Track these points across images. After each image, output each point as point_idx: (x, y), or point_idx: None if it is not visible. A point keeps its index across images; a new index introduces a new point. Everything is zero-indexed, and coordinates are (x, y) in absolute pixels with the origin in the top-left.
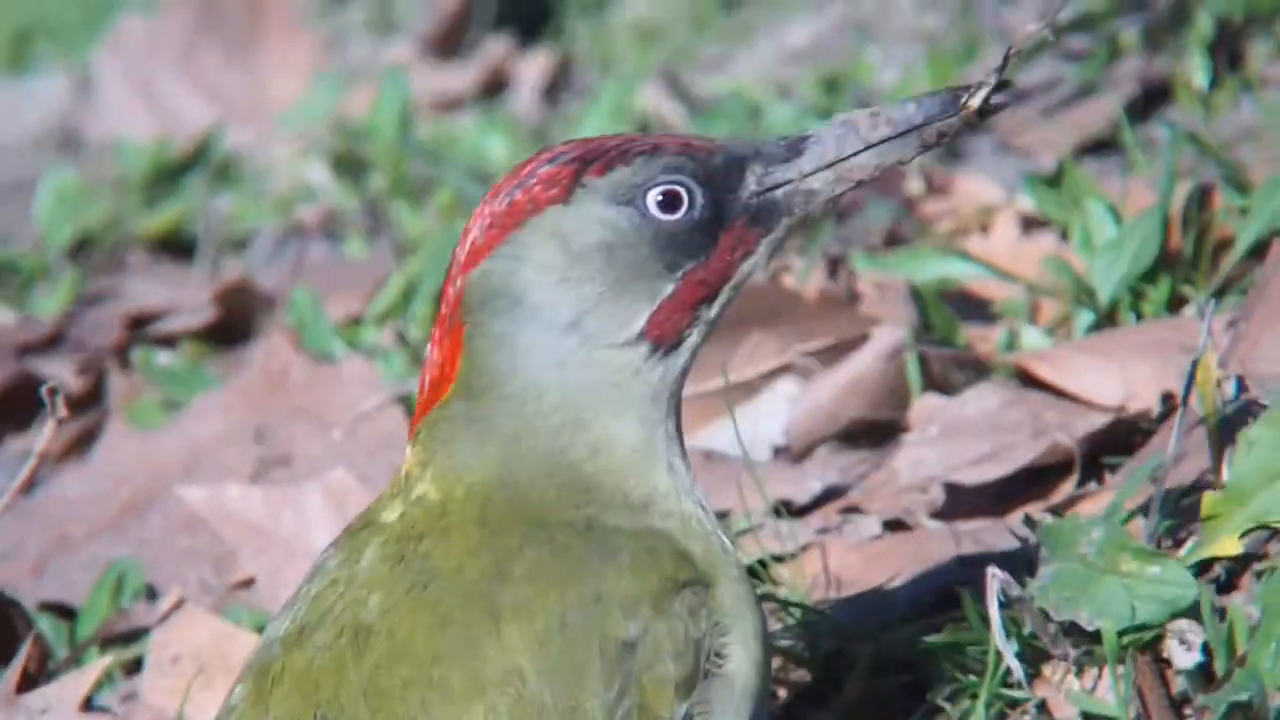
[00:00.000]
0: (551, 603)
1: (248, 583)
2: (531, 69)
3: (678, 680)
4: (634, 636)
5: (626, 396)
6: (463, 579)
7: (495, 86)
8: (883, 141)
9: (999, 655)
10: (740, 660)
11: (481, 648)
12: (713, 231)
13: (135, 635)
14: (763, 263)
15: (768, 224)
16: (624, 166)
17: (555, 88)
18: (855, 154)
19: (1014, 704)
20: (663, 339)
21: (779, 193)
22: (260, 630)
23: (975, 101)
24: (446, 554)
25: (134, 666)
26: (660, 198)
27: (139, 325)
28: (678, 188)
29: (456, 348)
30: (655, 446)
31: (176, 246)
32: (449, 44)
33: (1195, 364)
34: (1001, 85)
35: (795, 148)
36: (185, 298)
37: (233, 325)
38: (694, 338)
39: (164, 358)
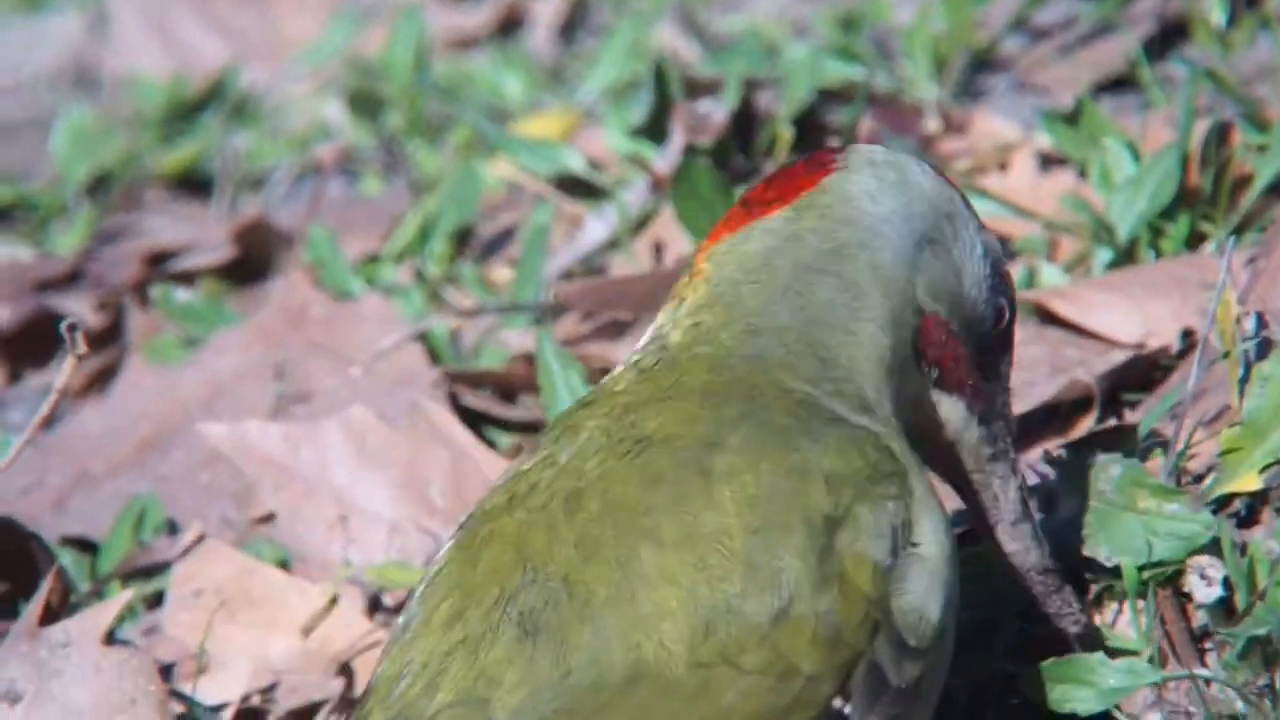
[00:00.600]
0: (763, 470)
1: (268, 518)
2: (547, 7)
3: (876, 559)
4: (837, 513)
5: (902, 321)
6: (678, 444)
7: (510, 25)
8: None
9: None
10: (932, 544)
11: (692, 504)
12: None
13: (157, 569)
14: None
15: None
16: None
17: (571, 26)
18: None
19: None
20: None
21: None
22: (282, 564)
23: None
24: (664, 423)
25: (155, 600)
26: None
27: (157, 262)
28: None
29: (814, 180)
30: (893, 368)
31: (193, 184)
32: None
33: (1218, 299)
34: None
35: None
36: (203, 235)
37: (251, 263)
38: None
39: (183, 295)
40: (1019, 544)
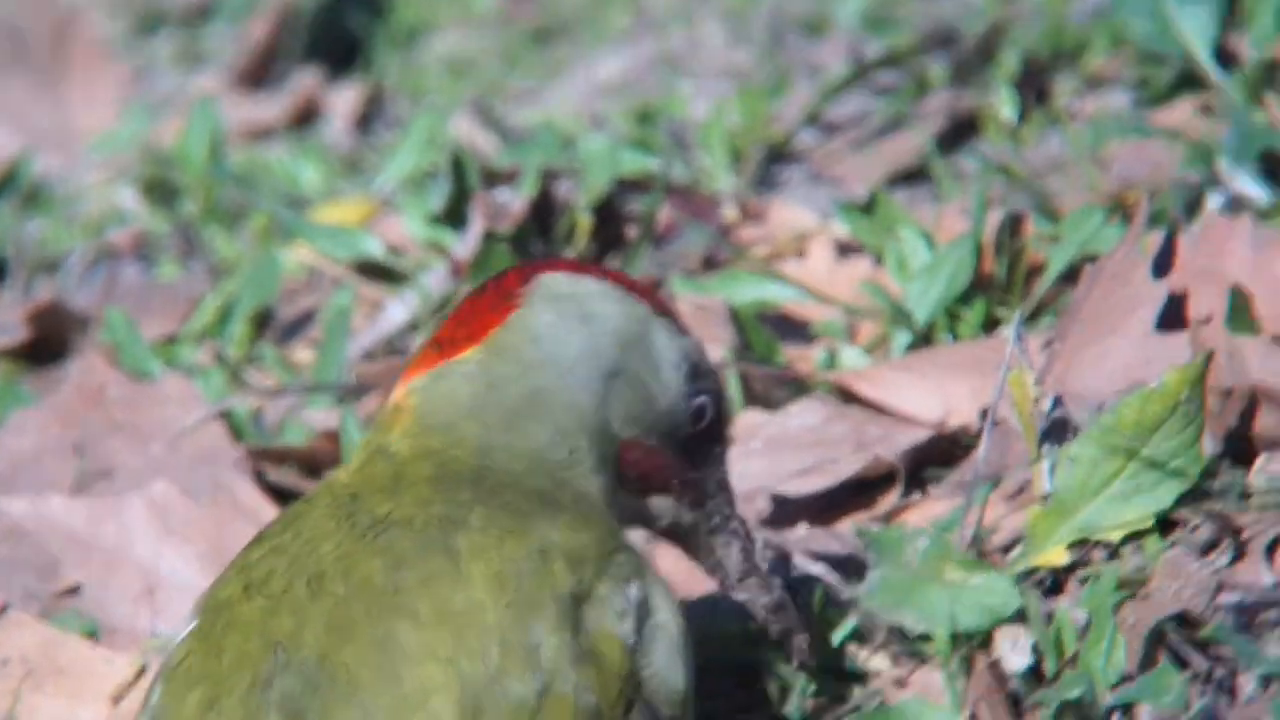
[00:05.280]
0: (507, 548)
1: (73, 591)
2: (343, 100)
3: (622, 636)
4: (581, 590)
5: (606, 454)
6: (417, 524)
7: (306, 117)
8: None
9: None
10: (668, 616)
11: (442, 583)
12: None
13: None
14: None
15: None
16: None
17: (367, 118)
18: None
19: (841, 699)
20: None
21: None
22: (90, 635)
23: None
24: (397, 506)
25: None
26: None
27: None
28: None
29: (499, 318)
30: (606, 487)
31: None
32: (258, 75)
33: (1006, 372)
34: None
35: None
36: None
37: (46, 345)
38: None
39: None
40: (748, 594)
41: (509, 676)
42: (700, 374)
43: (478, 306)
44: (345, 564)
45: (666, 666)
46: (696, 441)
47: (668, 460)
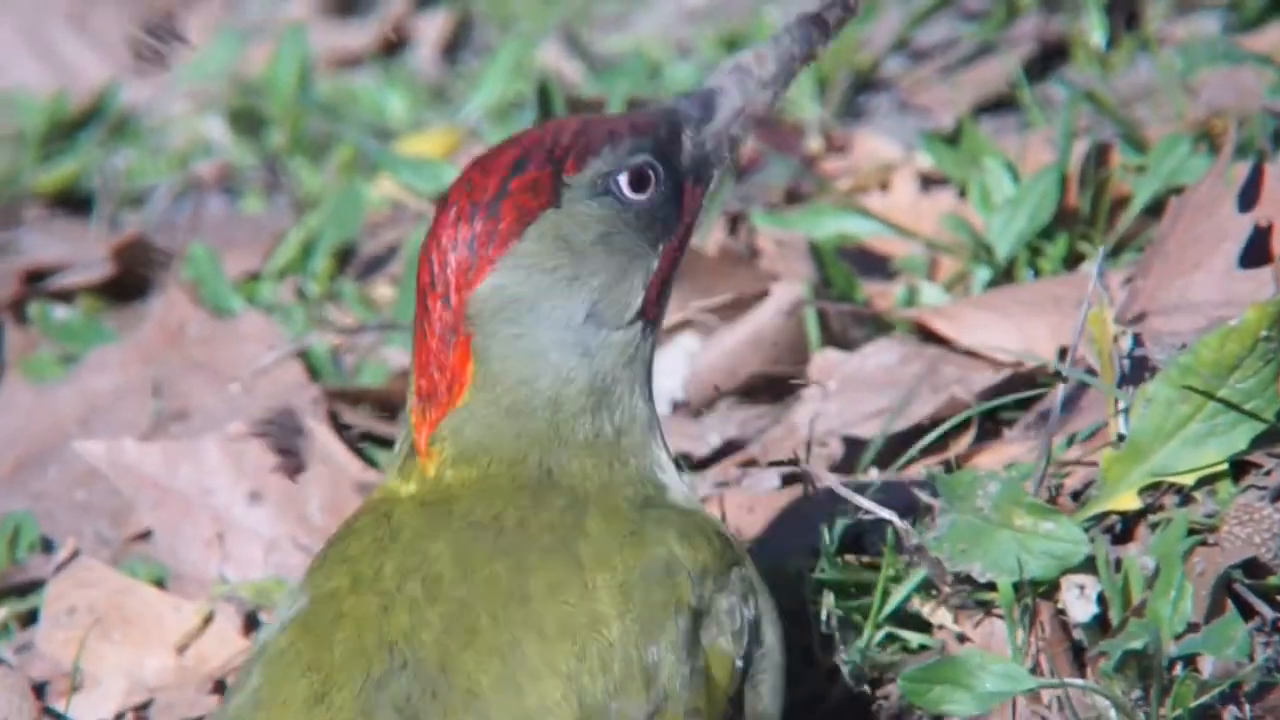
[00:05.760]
0: (628, 558)
1: (144, 536)
2: (431, 27)
3: (733, 656)
4: (701, 605)
5: (635, 373)
6: (531, 531)
7: (395, 44)
8: (772, 77)
9: (887, 589)
10: (771, 634)
11: (568, 593)
12: (675, 200)
13: (31, 588)
14: (702, 218)
15: (706, 179)
16: (594, 158)
17: (454, 46)
18: (755, 95)
19: (906, 649)
20: (651, 313)
21: (708, 146)
22: (158, 582)
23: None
24: (500, 511)
25: (30, 619)
26: (630, 180)
27: (35, 280)
28: (645, 168)
29: (466, 358)
30: (656, 418)
31: (73, 202)
32: (348, 2)
33: (1086, 313)
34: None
35: (708, 104)
36: (82, 253)
37: (130, 281)
38: (667, 306)
39: (61, 312)
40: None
41: (625, 696)
42: (606, 173)
43: (439, 362)
44: (464, 566)
45: (769, 695)
46: (669, 189)
47: (673, 246)
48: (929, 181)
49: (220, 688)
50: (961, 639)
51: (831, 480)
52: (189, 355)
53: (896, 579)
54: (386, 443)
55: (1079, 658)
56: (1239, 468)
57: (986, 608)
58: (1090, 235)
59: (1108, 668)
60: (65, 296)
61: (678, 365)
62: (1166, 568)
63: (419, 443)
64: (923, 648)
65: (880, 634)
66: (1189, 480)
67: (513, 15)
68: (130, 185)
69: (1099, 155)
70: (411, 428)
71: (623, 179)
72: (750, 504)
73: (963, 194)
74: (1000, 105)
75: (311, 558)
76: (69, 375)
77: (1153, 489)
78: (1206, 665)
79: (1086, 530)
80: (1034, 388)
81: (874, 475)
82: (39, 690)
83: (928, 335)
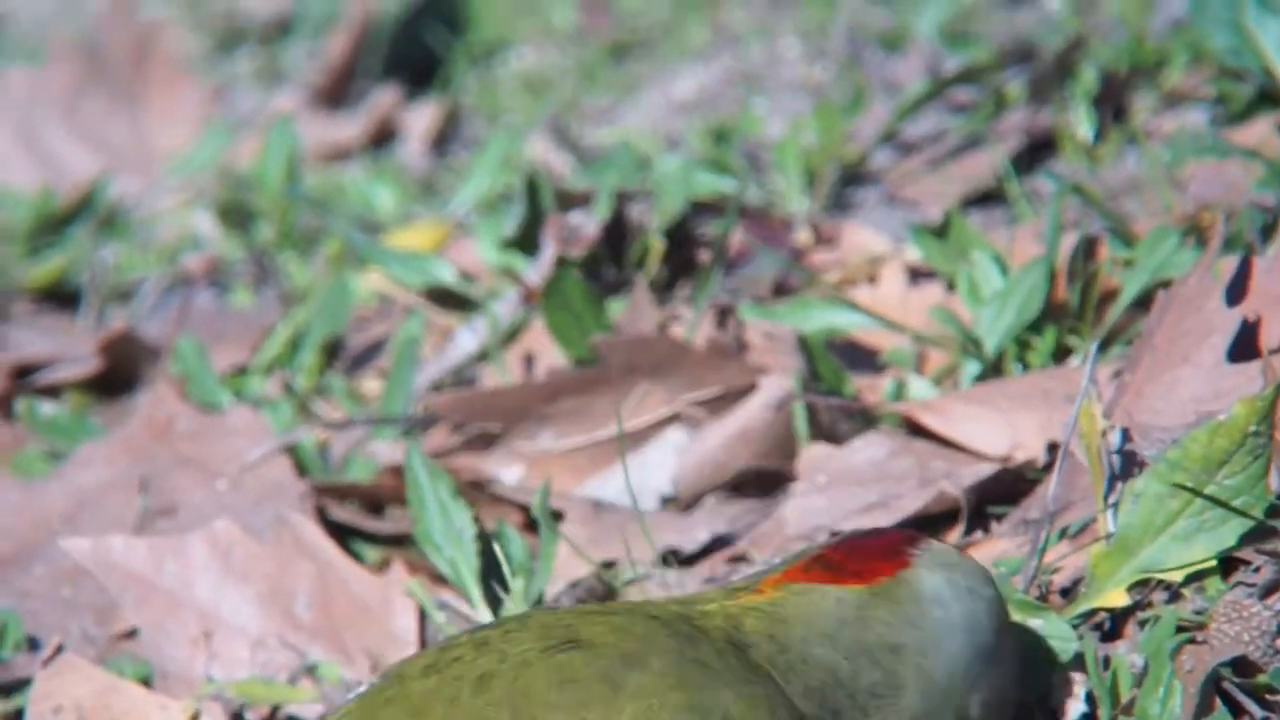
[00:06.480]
0: (671, 700)
1: (131, 634)
2: (419, 119)
3: None
4: None
5: None
6: (600, 651)
7: (383, 137)
8: None
9: None
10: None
11: (592, 711)
12: None
13: (17, 686)
14: None
15: None
16: None
17: (443, 138)
18: None
19: None
20: None
21: None
22: (144, 681)
23: None
24: (600, 631)
25: (15, 718)
26: None
27: (23, 375)
28: None
29: (889, 570)
30: None
31: (61, 297)
32: (337, 94)
33: (1078, 410)
34: None
35: None
36: (70, 348)
37: (118, 375)
38: None
39: (48, 408)
40: None
41: None
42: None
43: (870, 549)
44: (518, 670)
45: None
46: None
47: None
48: (917, 274)
49: None
50: None
51: None
52: (176, 451)
53: None
54: (374, 539)
55: None
56: (1228, 564)
57: None
58: (1079, 329)
59: None
60: (53, 392)
61: (665, 459)
62: (1155, 665)
63: (765, 580)
64: None
65: None
66: (1178, 577)
67: (501, 108)
68: (118, 279)
69: (1087, 248)
70: None
71: None
72: None
73: (951, 287)
74: (988, 198)
75: (298, 655)
76: (56, 471)
77: (1142, 585)
78: None
79: (1075, 627)
80: (1023, 481)
81: None
82: None
83: (916, 429)
